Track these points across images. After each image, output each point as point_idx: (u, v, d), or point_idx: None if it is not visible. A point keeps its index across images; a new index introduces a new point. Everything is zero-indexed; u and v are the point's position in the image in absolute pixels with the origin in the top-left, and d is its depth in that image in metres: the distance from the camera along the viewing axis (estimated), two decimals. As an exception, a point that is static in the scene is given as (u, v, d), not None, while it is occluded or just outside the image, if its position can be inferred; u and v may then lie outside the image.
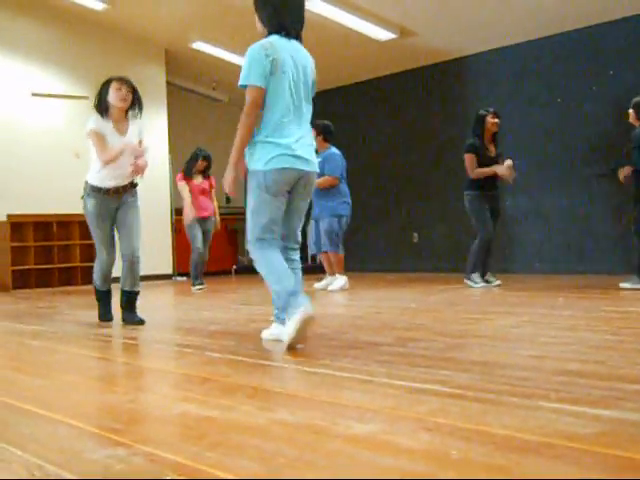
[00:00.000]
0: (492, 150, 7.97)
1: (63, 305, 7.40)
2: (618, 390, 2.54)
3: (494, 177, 7.87)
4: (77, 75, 11.01)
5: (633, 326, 4.31)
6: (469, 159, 7.82)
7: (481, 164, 7.79)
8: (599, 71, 9.38)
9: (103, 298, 5.61)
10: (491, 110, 7.95)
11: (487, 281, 7.95)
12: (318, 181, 7.30)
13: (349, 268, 12.32)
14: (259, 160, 3.96)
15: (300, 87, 4.06)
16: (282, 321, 3.93)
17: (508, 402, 2.40)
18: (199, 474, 1.75)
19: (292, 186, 4.03)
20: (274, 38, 4.04)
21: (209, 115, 13.78)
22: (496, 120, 7.92)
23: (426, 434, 2.04)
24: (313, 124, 4.92)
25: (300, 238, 4.25)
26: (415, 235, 11.50)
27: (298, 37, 4.19)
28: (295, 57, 4.06)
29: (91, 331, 5.07)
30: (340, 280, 8.35)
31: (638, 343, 3.63)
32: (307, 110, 4.14)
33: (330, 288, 8.29)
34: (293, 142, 3.96)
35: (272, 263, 3.97)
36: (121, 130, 5.25)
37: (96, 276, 5.52)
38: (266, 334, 4.23)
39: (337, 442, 2.00)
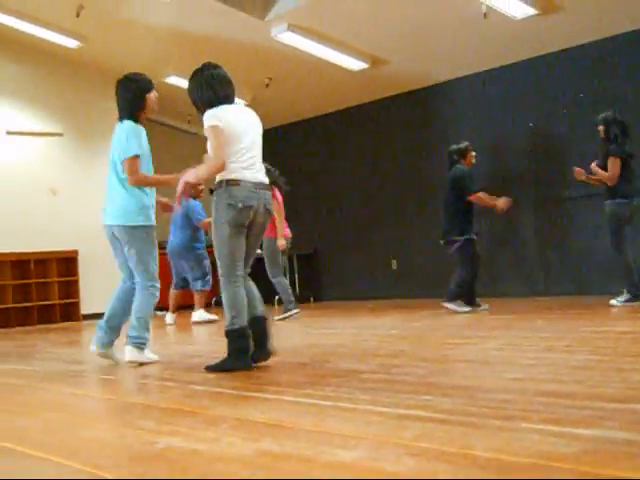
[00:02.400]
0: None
1: (43, 343, 7.36)
2: (598, 409, 2.58)
3: None
4: (51, 112, 11.02)
5: (610, 345, 4.35)
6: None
7: None
8: (570, 94, 9.51)
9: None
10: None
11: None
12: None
13: (329, 297, 12.36)
14: None
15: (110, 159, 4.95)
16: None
17: (491, 425, 2.43)
18: (188, 507, 1.75)
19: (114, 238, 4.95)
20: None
21: (184, 148, 13.82)
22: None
23: (411, 459, 2.06)
24: None
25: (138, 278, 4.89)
26: (394, 262, 11.54)
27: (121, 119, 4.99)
28: None
29: (72, 368, 5.06)
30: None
31: (616, 362, 3.68)
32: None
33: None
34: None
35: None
36: None
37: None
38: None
39: (323, 470, 2.02)
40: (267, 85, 11.10)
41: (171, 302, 9.25)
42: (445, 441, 2.24)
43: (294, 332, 6.90)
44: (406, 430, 2.43)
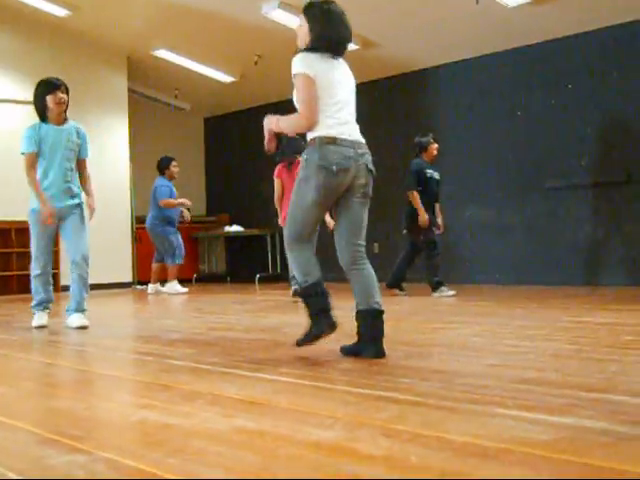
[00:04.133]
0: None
1: (22, 313, 7.32)
2: (574, 398, 2.58)
3: None
4: (36, 81, 10.89)
5: (590, 336, 4.37)
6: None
7: None
8: (558, 85, 9.51)
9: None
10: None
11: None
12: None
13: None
14: None
15: None
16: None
17: (467, 409, 2.43)
18: (160, 480, 1.75)
19: None
20: None
21: (171, 123, 13.74)
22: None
23: (385, 440, 2.06)
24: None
25: None
26: (376, 245, 11.54)
27: None
28: None
29: (50, 338, 5.03)
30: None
31: (594, 352, 3.69)
32: None
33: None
34: None
35: None
36: None
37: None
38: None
39: (298, 448, 2.01)
40: (256, 62, 11.04)
41: (152, 274, 10.08)
42: (420, 424, 2.24)
43: (275, 312, 6.89)
44: (382, 412, 2.43)
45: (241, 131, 13.23)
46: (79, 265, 5.52)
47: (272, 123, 3.88)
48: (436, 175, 8.25)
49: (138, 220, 12.21)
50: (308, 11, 3.86)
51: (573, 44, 9.38)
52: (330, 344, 4.20)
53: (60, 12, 10.14)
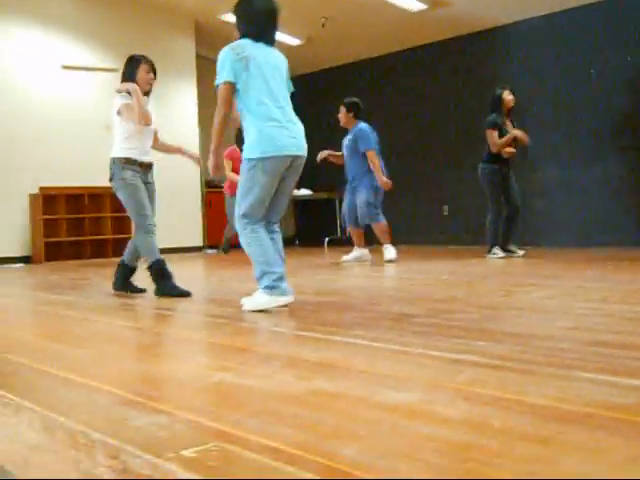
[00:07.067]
0: (510, 126, 8.33)
1: (95, 277, 7.47)
2: (656, 361, 2.53)
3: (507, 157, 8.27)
4: (107, 47, 11.04)
5: (668, 298, 4.28)
6: (492, 134, 8.18)
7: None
8: (635, 41, 9.24)
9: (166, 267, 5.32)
10: (507, 87, 8.41)
11: (510, 251, 8.32)
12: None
13: (379, 241, 12.31)
14: (256, 148, 4.23)
15: (275, 81, 4.36)
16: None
17: (545, 372, 2.40)
18: (242, 441, 1.76)
19: (286, 169, 4.31)
20: (243, 41, 4.36)
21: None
22: (512, 97, 8.35)
23: (465, 404, 2.05)
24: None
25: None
26: (445, 208, 11.46)
27: (269, 42, 4.46)
28: (266, 56, 4.38)
29: (124, 301, 5.12)
30: (390, 250, 8.35)
31: (674, 315, 3.61)
32: (287, 101, 4.49)
33: (386, 258, 8.25)
34: (282, 128, 4.26)
35: (260, 241, 4.28)
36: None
37: (151, 249, 5.31)
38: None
39: (376, 411, 2.01)
40: (323, 25, 10.97)
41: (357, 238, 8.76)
42: (499, 387, 2.22)
43: (344, 275, 6.90)
44: (460, 375, 2.41)
45: (309, 94, 13.19)
46: None
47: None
48: None
49: (208, 184, 12.31)
50: None
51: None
52: (402, 307, 4.20)
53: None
